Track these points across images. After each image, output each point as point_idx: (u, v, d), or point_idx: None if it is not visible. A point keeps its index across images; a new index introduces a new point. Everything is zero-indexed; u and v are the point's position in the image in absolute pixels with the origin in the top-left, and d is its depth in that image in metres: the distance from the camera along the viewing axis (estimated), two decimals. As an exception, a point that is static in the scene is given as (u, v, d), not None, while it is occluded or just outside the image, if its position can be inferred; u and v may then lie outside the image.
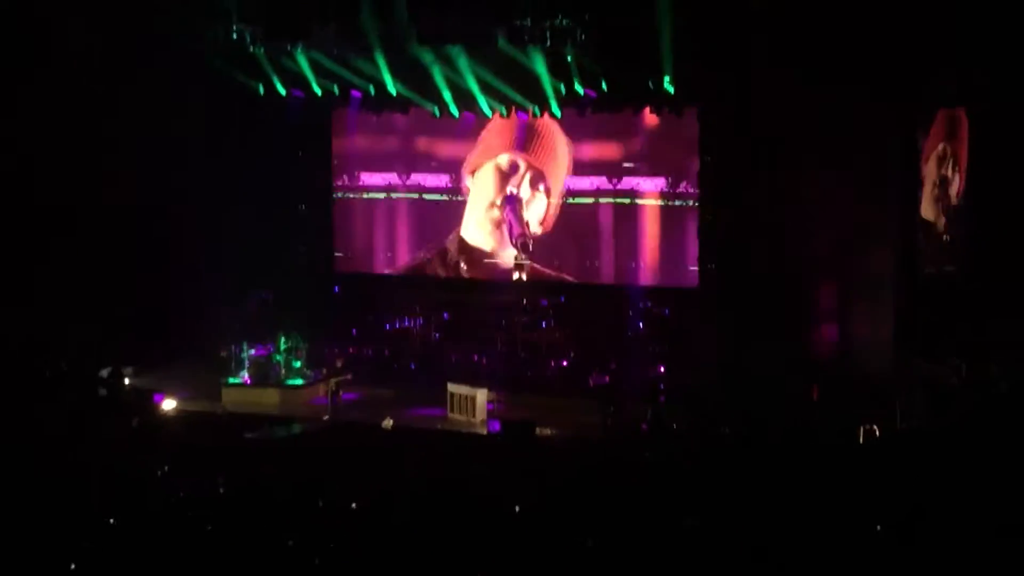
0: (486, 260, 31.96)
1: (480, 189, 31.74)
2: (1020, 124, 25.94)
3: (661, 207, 30.41)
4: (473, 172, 31.81)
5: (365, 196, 32.89)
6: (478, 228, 31.88)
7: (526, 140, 31.23)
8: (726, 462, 22.27)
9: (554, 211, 31.21)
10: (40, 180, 30.34)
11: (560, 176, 31.07)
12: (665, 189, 30.32)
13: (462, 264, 32.07)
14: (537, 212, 31.34)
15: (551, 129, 30.92)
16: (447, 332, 32.11)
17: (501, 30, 28.23)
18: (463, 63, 29.38)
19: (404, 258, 32.82)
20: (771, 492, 18.99)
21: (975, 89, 26.55)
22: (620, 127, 30.54)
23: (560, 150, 30.95)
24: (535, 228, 31.35)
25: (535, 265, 31.31)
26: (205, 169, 31.04)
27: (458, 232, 32.07)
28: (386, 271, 32.93)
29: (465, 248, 32.04)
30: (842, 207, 27.64)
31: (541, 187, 31.26)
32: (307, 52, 30.16)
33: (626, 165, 30.61)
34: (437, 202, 32.28)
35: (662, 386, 29.00)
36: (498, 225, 31.63)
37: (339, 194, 33.02)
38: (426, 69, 29.78)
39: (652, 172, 30.43)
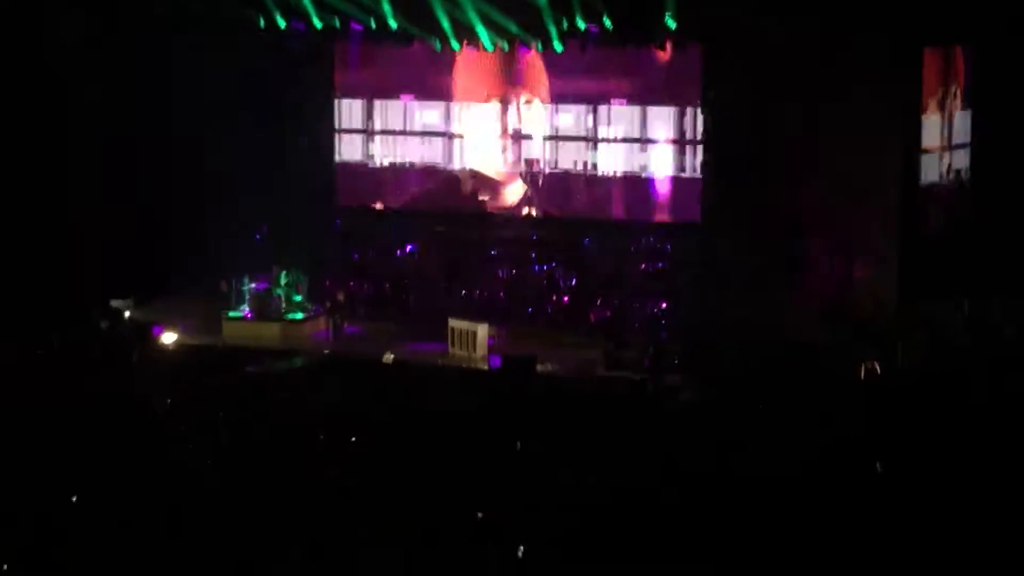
0: (497, 189, 31.70)
1: (483, 125, 31.49)
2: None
3: (664, 144, 30.24)
4: (471, 108, 31.55)
5: (367, 130, 32.68)
6: (486, 161, 31.64)
7: (519, 73, 30.97)
8: (726, 398, 22.32)
9: (553, 144, 30.97)
10: (35, 111, 30.20)
11: (559, 105, 30.85)
12: (668, 125, 30.15)
13: (479, 195, 31.79)
14: (538, 141, 31.11)
15: (540, 63, 30.68)
16: (449, 266, 32.01)
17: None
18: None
19: (410, 191, 32.57)
20: (771, 428, 19.04)
21: (974, 26, 26.43)
22: (622, 63, 30.31)
23: (559, 81, 30.72)
24: (537, 154, 31.12)
25: (540, 200, 31.12)
26: (205, 102, 30.84)
27: (465, 164, 31.88)
28: (390, 205, 32.70)
29: (477, 176, 31.78)
30: (846, 144, 27.51)
31: (541, 116, 30.99)
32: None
33: (628, 101, 30.40)
34: (440, 136, 32.06)
35: (663, 321, 29.03)
36: (505, 161, 31.42)
37: (343, 127, 32.80)
38: (427, 2, 29.56)
39: (655, 104, 30.24)
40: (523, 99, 31.13)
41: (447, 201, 32.08)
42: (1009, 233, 27.42)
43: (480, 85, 31.51)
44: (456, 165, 31.95)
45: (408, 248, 32.35)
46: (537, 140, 31.14)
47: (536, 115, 31.10)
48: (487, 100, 31.46)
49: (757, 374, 24.31)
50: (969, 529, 14.04)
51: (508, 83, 31.23)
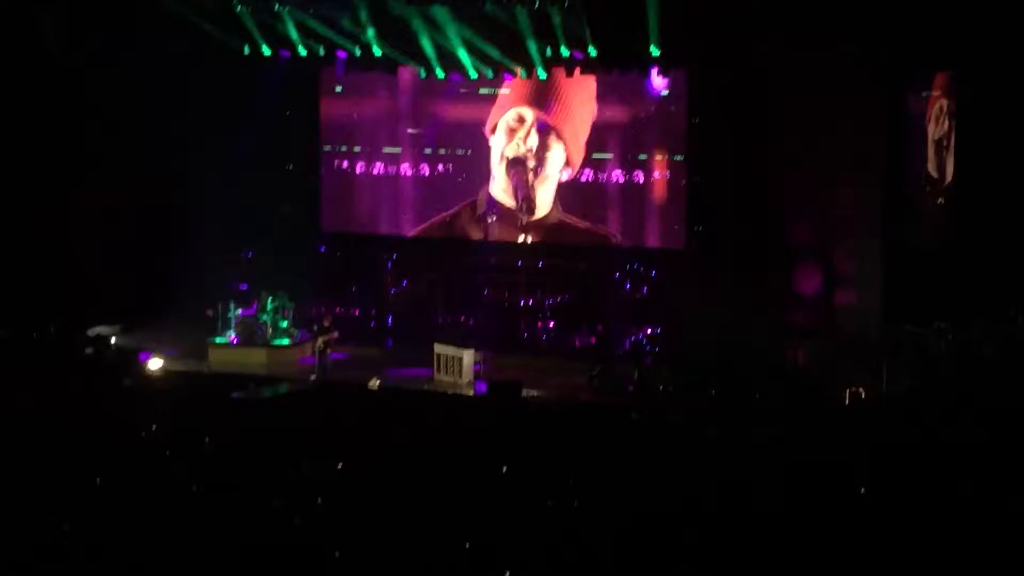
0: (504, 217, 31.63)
1: (496, 147, 31.51)
2: (1008, 92, 25.90)
3: (649, 169, 30.29)
4: (492, 130, 31.55)
5: (354, 155, 32.68)
6: (499, 187, 31.68)
7: (540, 95, 30.98)
8: (711, 423, 22.33)
9: (575, 170, 30.93)
10: (21, 143, 30.24)
11: (579, 135, 30.78)
12: (653, 151, 30.20)
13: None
14: (554, 168, 31.08)
15: (570, 87, 30.64)
16: (435, 292, 32.04)
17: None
18: (448, 24, 29.23)
19: (406, 219, 32.51)
20: (756, 453, 19.07)
21: (962, 53, 26.51)
22: (606, 89, 30.38)
23: (580, 108, 30.66)
24: (548, 192, 31.09)
25: (532, 226, 31.11)
26: (190, 129, 30.89)
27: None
28: (378, 230, 32.68)
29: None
30: (830, 171, 27.64)
31: (553, 142, 30.98)
32: (291, 13, 29.94)
33: (612, 127, 30.46)
34: (440, 164, 32.03)
35: (648, 347, 29.09)
36: (507, 190, 31.38)
37: (329, 152, 32.81)
38: (411, 30, 29.62)
39: (639, 134, 30.30)
40: (527, 118, 31.02)
41: (471, 223, 31.94)
42: (991, 254, 27.48)
43: (496, 109, 31.47)
44: (483, 188, 31.78)
45: (394, 274, 32.36)
46: (541, 173, 31.10)
47: (548, 155, 31.05)
48: (496, 124, 31.44)
49: (741, 399, 24.38)
50: (953, 553, 14.08)
51: (518, 103, 31.20)
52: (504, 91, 31.18)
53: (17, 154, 30.21)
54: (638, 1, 27.64)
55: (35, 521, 14.78)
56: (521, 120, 31.01)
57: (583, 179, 30.74)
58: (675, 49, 28.77)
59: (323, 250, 32.88)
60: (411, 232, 32.32)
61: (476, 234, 31.73)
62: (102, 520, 14.98)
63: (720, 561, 13.84)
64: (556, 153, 30.85)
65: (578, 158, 30.66)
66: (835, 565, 13.72)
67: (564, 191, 30.90)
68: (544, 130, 30.89)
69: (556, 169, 30.92)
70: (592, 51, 29.19)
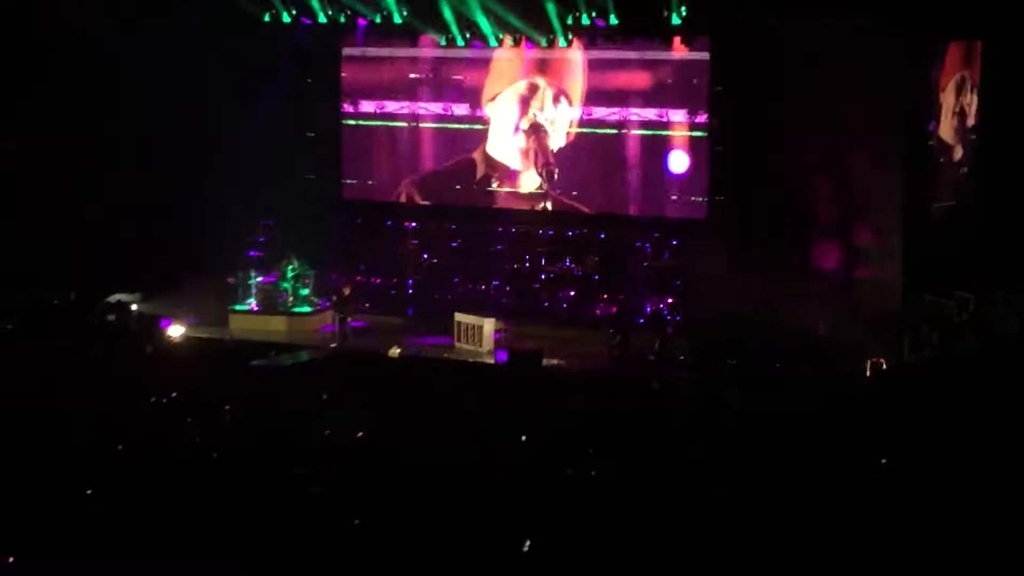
0: (511, 179, 31.59)
1: (502, 116, 31.42)
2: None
3: (672, 138, 30.20)
4: (493, 99, 31.46)
5: (374, 123, 32.66)
6: (504, 150, 31.58)
7: (542, 63, 30.90)
8: (731, 393, 22.31)
9: (574, 135, 30.87)
10: (42, 110, 30.25)
11: (577, 99, 30.72)
12: (675, 120, 30.10)
13: (493, 179, 31.73)
14: (560, 133, 31.02)
15: (565, 54, 30.55)
16: (457, 261, 32.01)
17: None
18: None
19: (421, 176, 32.53)
20: (776, 423, 19.04)
21: (989, 20, 26.38)
22: (629, 58, 30.27)
23: (576, 73, 30.62)
24: (559, 145, 31.04)
25: (556, 194, 31.02)
26: (212, 96, 30.82)
27: (483, 147, 31.70)
28: (399, 197, 32.65)
29: (492, 163, 31.62)
30: (851, 139, 27.52)
31: (563, 107, 30.89)
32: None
33: (636, 96, 30.36)
34: (449, 130, 32.00)
35: (669, 317, 29.05)
36: (525, 153, 31.29)
37: (349, 121, 32.78)
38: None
39: (662, 103, 30.20)
40: (545, 89, 30.98)
41: (468, 181, 31.88)
42: (1013, 224, 27.42)
43: (495, 78, 31.42)
44: (478, 148, 31.70)
45: (415, 241, 32.34)
46: (554, 132, 31.04)
47: (555, 107, 31.00)
48: (500, 93, 31.35)
49: (761, 369, 24.34)
50: (974, 525, 14.04)
51: (533, 72, 31.14)
52: (500, 57, 31.13)
53: (41, 123, 30.18)
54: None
55: (59, 486, 14.82)
56: (534, 89, 30.97)
57: (603, 143, 30.66)
58: (697, 17, 28.63)
59: (344, 217, 32.79)
60: (429, 192, 32.32)
61: (497, 194, 31.72)
62: (124, 485, 15.02)
63: (738, 530, 13.81)
64: (570, 115, 30.84)
65: (579, 95, 30.66)
66: (857, 535, 13.69)
67: (584, 153, 30.86)
68: (557, 96, 30.84)
69: (565, 127, 30.94)
70: (613, 19, 29.09)
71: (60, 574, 13.04)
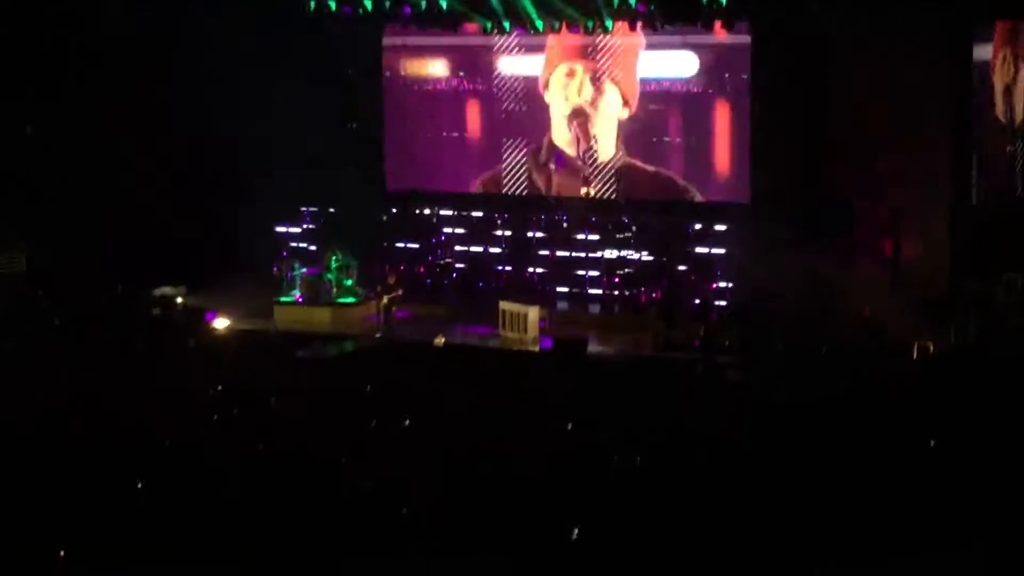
0: (560, 165, 31.50)
1: (554, 102, 31.41)
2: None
3: (714, 122, 30.10)
4: (546, 86, 31.44)
5: (417, 113, 32.65)
6: (562, 139, 31.56)
7: (585, 48, 30.82)
8: (778, 378, 22.23)
9: (615, 121, 30.78)
10: (86, 103, 30.37)
11: (620, 84, 30.62)
12: (718, 104, 30.00)
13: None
14: (603, 119, 30.94)
15: (608, 39, 30.44)
16: (500, 249, 31.98)
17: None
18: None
19: (468, 174, 32.55)
20: (822, 408, 18.96)
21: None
22: (671, 42, 30.17)
23: (619, 58, 30.50)
24: (601, 130, 30.96)
25: (598, 180, 30.95)
26: (255, 87, 30.87)
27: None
28: (443, 188, 32.65)
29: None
30: (897, 122, 27.36)
31: (605, 92, 30.81)
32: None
33: (678, 80, 30.27)
34: (496, 119, 31.95)
35: (714, 303, 28.96)
36: (569, 139, 31.26)
37: (393, 111, 32.78)
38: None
39: (703, 87, 30.11)
40: (587, 75, 30.90)
41: (536, 170, 31.84)
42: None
43: (545, 64, 31.39)
44: (545, 136, 31.68)
45: (459, 231, 32.33)
46: (596, 118, 30.96)
47: (597, 92, 30.91)
48: (548, 79, 31.35)
49: (807, 354, 24.24)
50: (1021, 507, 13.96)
51: (576, 57, 31.05)
52: (551, 44, 31.12)
53: (82, 117, 30.32)
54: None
55: (109, 480, 14.89)
56: (572, 74, 30.97)
57: (647, 127, 30.58)
58: (740, 1, 28.51)
59: (388, 207, 32.80)
60: (474, 184, 32.29)
61: (540, 182, 31.64)
62: (171, 479, 15.08)
63: (783, 515, 13.76)
64: (611, 97, 30.76)
65: (633, 94, 30.56)
66: (906, 519, 13.62)
67: (629, 138, 30.73)
68: (596, 78, 30.76)
69: (614, 112, 30.83)
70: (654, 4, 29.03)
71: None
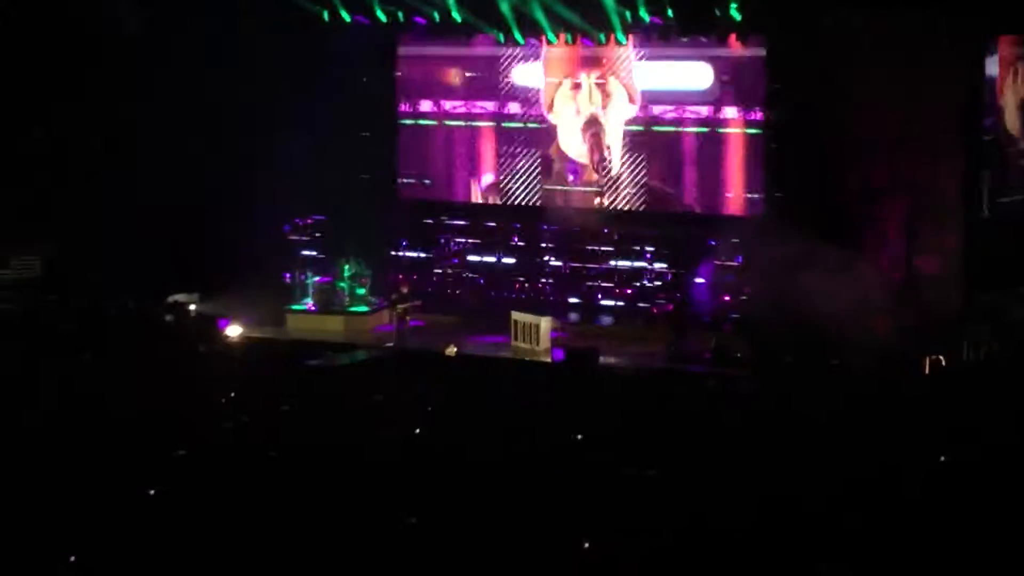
0: (574, 176, 31.57)
1: (563, 113, 31.45)
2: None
3: (728, 135, 30.09)
4: (551, 107, 31.46)
5: (431, 123, 32.70)
6: (568, 148, 31.53)
7: (597, 59, 30.85)
8: (789, 391, 22.22)
9: (629, 132, 30.81)
10: (103, 111, 30.43)
11: (632, 96, 30.64)
12: (731, 117, 30.00)
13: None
14: (616, 130, 30.97)
15: (622, 51, 30.47)
16: (512, 259, 31.98)
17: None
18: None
19: (480, 183, 32.53)
20: (833, 421, 18.95)
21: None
22: (685, 55, 30.17)
23: (632, 70, 30.52)
24: (615, 142, 30.99)
25: (611, 191, 30.96)
26: (269, 96, 30.92)
27: (556, 144, 31.62)
28: (456, 197, 32.68)
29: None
30: (909, 136, 27.33)
31: (618, 103, 30.81)
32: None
33: (691, 93, 30.26)
34: (509, 129, 31.98)
35: (726, 314, 28.94)
36: (584, 150, 31.24)
37: (406, 120, 32.84)
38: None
39: (718, 100, 30.10)
40: (600, 86, 30.93)
41: (549, 177, 31.84)
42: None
43: (562, 69, 31.42)
44: (552, 144, 31.70)
45: (471, 241, 32.35)
46: (609, 129, 30.99)
47: (611, 104, 30.95)
48: (553, 96, 31.36)
49: (819, 367, 24.22)
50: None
51: (588, 68, 31.10)
52: (547, 63, 31.17)
53: (91, 125, 30.37)
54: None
55: (121, 487, 14.92)
56: (577, 86, 30.98)
57: (661, 141, 30.59)
58: (753, 14, 28.52)
59: (399, 217, 32.82)
60: (487, 191, 32.32)
61: (553, 193, 31.67)
62: (183, 485, 15.11)
63: (796, 526, 13.76)
64: (619, 98, 30.76)
65: (636, 91, 30.52)
66: (917, 534, 13.60)
67: (642, 150, 30.77)
68: (601, 83, 30.79)
69: (624, 113, 30.81)
70: (670, 14, 29.03)
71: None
